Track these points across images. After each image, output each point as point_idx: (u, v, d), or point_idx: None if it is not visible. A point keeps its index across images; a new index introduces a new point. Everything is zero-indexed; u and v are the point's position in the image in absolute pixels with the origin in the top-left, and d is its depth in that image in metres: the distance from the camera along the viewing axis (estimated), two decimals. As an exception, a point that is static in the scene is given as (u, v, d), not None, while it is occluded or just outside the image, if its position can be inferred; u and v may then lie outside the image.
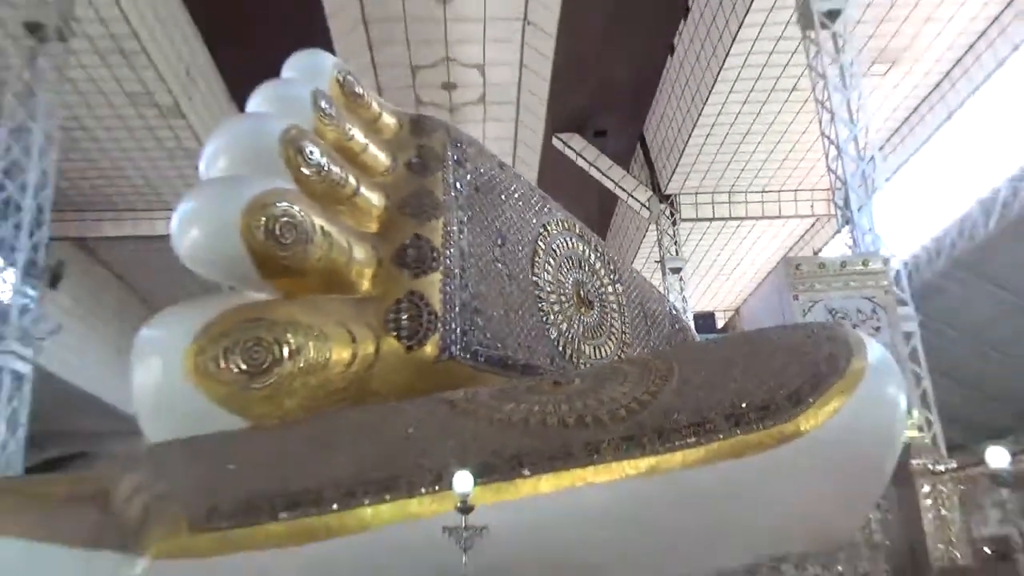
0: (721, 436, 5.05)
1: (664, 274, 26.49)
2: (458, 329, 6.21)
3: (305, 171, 6.07)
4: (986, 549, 8.80)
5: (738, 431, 5.07)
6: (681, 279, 26.61)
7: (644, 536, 5.00)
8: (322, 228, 5.86)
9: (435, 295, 6.21)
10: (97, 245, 26.61)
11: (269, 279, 5.81)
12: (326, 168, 6.19)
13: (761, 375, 5.42)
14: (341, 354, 5.74)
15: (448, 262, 6.41)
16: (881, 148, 21.83)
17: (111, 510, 5.17)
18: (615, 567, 4.98)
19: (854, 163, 16.28)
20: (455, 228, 6.66)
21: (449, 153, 7.15)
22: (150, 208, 25.22)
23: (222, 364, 5.44)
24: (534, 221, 7.64)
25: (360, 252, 6.19)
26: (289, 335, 5.54)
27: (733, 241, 30.39)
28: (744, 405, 5.17)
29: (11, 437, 14.58)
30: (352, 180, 6.40)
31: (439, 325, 6.10)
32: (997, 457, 4.01)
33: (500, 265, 6.95)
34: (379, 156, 6.97)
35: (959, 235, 19.58)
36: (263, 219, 5.57)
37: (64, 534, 4.81)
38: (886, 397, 5.52)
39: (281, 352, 5.50)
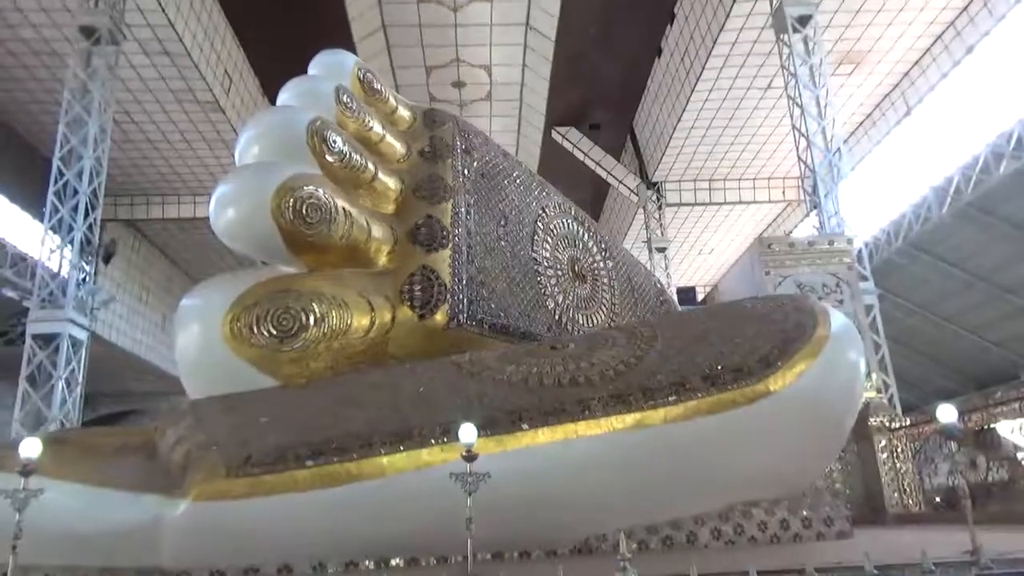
0: (699, 395, 5.03)
1: (651, 253, 26.38)
2: (465, 300, 6.19)
3: (329, 158, 6.02)
4: (936, 499, 8.80)
5: (714, 390, 5.05)
6: (666, 258, 26.51)
7: (630, 483, 4.99)
8: (344, 209, 5.82)
9: (445, 269, 6.18)
10: (145, 226, 26.55)
11: (297, 255, 5.79)
12: (348, 155, 6.13)
13: (735, 341, 5.39)
14: (361, 321, 5.72)
15: (457, 240, 6.37)
16: (846, 140, 21.67)
17: (157, 458, 5.20)
18: (604, 511, 4.99)
19: (822, 153, 16.16)
20: (463, 210, 6.62)
21: (458, 143, 7.08)
22: (192, 192, 25.15)
23: (255, 330, 5.44)
24: (533, 204, 7.59)
25: (378, 231, 6.16)
26: (314, 304, 5.53)
27: (713, 224, 30.25)
28: (720, 367, 5.15)
29: (69, 396, 14.65)
30: (371, 166, 6.34)
31: (448, 296, 6.08)
32: (947, 414, 3.99)
33: (503, 243, 6.91)
34: (395, 145, 6.91)
35: (915, 218, 19.45)
36: (291, 200, 5.54)
37: (115, 479, 4.83)
38: (847, 361, 5.49)
39: (307, 319, 5.48)
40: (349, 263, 5.99)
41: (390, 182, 6.54)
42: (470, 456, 3.97)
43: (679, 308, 10.06)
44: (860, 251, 15.10)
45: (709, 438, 5.08)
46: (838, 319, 5.74)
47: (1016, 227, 17.60)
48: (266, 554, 4.67)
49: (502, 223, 7.00)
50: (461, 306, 6.13)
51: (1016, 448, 8.54)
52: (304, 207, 5.57)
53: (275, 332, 5.44)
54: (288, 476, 4.63)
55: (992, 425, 7.83)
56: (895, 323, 19.20)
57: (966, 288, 19.83)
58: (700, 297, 26.88)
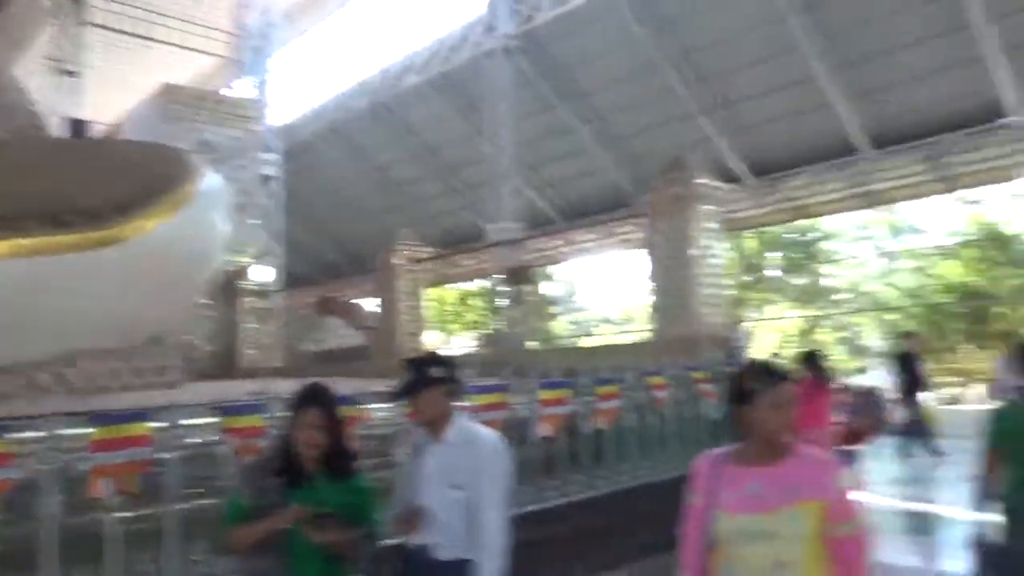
0: (33, 234, 4.56)
1: (60, 75, 22.49)
2: None
3: None
4: (304, 357, 9.92)
5: (53, 230, 4.63)
6: (79, 85, 22.96)
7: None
8: None
9: None
10: None
11: None
12: None
13: (94, 182, 5.01)
14: None
15: None
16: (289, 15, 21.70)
17: None
18: None
19: (262, 16, 15.96)
20: None
21: None
22: None
23: None
24: None
25: None
26: None
27: (145, 62, 27.28)
28: (66, 207, 4.74)
29: None
30: None
31: None
32: (260, 273, 4.43)
33: None
34: None
35: (338, 106, 20.85)
36: None
37: None
38: (208, 221, 5.62)
39: None
40: None
41: None
42: None
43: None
44: (277, 126, 15.52)
45: (45, 280, 4.66)
46: (211, 180, 5.79)
47: (411, 132, 20.32)
48: None
49: None
50: None
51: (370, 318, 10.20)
52: None
53: None
54: None
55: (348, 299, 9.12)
56: (301, 199, 20.55)
57: (368, 175, 22.25)
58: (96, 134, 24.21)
